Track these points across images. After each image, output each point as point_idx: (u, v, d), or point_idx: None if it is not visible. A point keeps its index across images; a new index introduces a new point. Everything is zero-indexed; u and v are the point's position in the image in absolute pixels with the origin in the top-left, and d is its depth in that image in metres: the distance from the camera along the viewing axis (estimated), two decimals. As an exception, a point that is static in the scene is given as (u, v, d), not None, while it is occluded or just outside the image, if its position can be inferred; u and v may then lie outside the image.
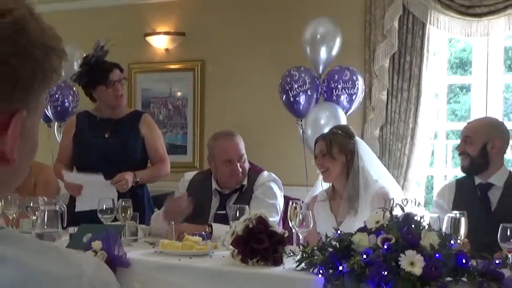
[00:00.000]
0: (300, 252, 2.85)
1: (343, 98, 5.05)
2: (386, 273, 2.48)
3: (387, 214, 2.72)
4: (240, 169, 3.86)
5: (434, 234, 2.60)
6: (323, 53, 5.11)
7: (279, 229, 3.16)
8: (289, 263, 2.89)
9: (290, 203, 3.31)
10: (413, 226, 2.65)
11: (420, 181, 5.56)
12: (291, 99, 5.09)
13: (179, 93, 6.60)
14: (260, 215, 2.96)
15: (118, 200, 3.70)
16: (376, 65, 5.55)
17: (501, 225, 2.81)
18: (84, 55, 4.39)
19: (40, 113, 0.96)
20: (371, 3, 5.61)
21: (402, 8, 5.46)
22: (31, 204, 3.70)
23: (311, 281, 2.70)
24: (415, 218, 2.70)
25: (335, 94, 5.05)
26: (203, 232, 3.46)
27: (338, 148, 3.67)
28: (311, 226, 3.23)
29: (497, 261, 2.62)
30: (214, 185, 3.96)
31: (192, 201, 3.81)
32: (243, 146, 3.94)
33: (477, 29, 5.27)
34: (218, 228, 3.60)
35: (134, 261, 3.13)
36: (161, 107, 6.65)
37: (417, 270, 2.47)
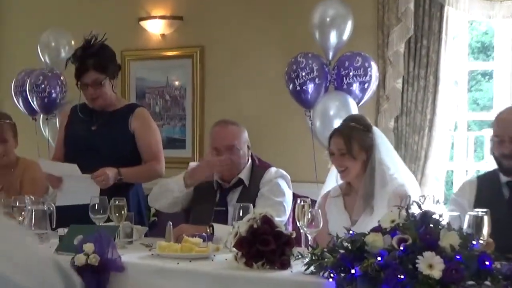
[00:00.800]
0: (309, 254, 2.85)
1: (355, 87, 5.04)
2: (402, 276, 2.48)
3: (403, 212, 2.71)
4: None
5: (454, 234, 2.59)
6: (333, 37, 5.10)
7: (287, 229, 3.16)
8: (297, 266, 2.89)
9: (298, 201, 3.31)
10: (431, 225, 2.65)
11: (439, 176, 5.55)
12: (298, 88, 5.08)
13: (176, 83, 6.60)
14: (265, 214, 2.96)
15: (103, 197, 3.67)
16: (390, 50, 5.54)
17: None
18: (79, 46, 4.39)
19: None
20: (385, -17, 5.60)
21: (418, -12, 5.46)
22: (17, 204, 3.70)
23: (321, 285, 2.71)
24: (434, 216, 2.69)
25: (345, 83, 5.05)
26: (203, 233, 3.47)
27: (358, 146, 3.66)
28: (321, 225, 3.23)
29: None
30: (215, 177, 3.98)
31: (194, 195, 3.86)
32: (239, 137, 3.95)
33: (500, 10, 5.25)
34: (220, 229, 3.60)
35: (129, 265, 3.13)
36: (158, 97, 6.65)
37: (436, 273, 2.47)
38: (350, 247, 2.68)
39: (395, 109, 5.56)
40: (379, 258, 2.55)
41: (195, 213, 3.93)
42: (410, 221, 2.67)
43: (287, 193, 3.94)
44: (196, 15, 6.43)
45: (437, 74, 5.44)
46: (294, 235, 3.00)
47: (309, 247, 2.97)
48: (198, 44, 6.45)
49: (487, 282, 2.54)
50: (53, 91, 6.02)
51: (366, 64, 5.05)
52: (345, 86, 5.05)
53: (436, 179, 5.51)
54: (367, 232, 2.71)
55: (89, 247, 3.12)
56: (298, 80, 5.07)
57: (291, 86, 5.13)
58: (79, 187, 3.93)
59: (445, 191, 5.85)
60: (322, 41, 5.14)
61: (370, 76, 5.05)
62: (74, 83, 4.32)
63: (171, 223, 3.56)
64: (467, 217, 2.96)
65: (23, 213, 3.66)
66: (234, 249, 2.96)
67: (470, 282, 2.53)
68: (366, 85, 5.06)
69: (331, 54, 5.15)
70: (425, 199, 2.81)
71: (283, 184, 3.94)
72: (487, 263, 2.54)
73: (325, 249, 2.80)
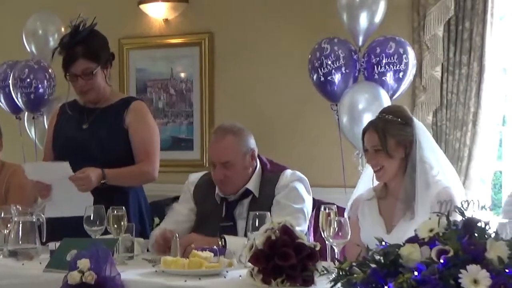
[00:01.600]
0: (336, 269, 2.85)
1: (388, 77, 5.04)
2: (443, 293, 2.48)
3: (444, 219, 2.71)
4: (221, 177, 3.91)
5: (503, 245, 2.59)
6: (363, 20, 5.10)
7: (309, 240, 3.16)
8: (322, 283, 2.89)
9: (322, 209, 3.30)
10: (476, 234, 2.64)
11: (485, 178, 5.53)
12: (322, 78, 5.08)
13: (182, 74, 6.63)
14: (285, 224, 2.96)
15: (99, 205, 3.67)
16: (427, 34, 5.53)
17: None
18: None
19: None
20: (421, -43, 5.60)
21: (459, -38, 5.45)
22: (2, 215, 3.73)
23: (350, 305, 2.71)
24: (479, 224, 2.69)
25: (377, 72, 5.05)
26: (214, 246, 3.47)
27: (394, 142, 3.65)
28: (349, 236, 3.23)
29: None
30: (217, 190, 4.00)
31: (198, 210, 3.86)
32: (235, 150, 3.93)
33: (555, -14, 5.25)
34: (233, 241, 3.61)
35: (130, 283, 3.14)
36: (161, 91, 6.68)
37: (482, 290, 2.46)
38: (382, 261, 2.68)
39: (433, 102, 5.55)
40: (416, 273, 2.55)
41: (199, 232, 3.90)
42: (452, 230, 2.67)
43: (307, 198, 3.94)
44: (204, -4, 6.46)
45: (481, 60, 5.42)
46: (318, 248, 3.00)
47: (336, 260, 2.97)
48: (206, 30, 6.46)
49: (541, 299, 2.54)
50: (40, 85, 6.04)
51: (401, 50, 5.04)
52: (376, 76, 5.04)
53: (482, 182, 5.50)
54: (402, 243, 2.71)
55: (84, 263, 3.12)
56: (323, 70, 5.07)
57: (314, 76, 5.14)
58: (70, 196, 3.92)
59: (493, 195, 5.84)
60: (350, 25, 5.14)
61: (406, 64, 5.04)
62: (63, 76, 4.33)
63: (177, 235, 3.55)
64: (518, 225, 2.95)
65: (8, 225, 3.68)
66: (250, 264, 2.96)
67: (522, 300, 2.53)
68: (401, 75, 5.05)
69: (360, 39, 5.16)
70: (468, 204, 2.81)
71: (301, 188, 3.94)
72: (541, 277, 2.54)
73: (354, 263, 2.79)
